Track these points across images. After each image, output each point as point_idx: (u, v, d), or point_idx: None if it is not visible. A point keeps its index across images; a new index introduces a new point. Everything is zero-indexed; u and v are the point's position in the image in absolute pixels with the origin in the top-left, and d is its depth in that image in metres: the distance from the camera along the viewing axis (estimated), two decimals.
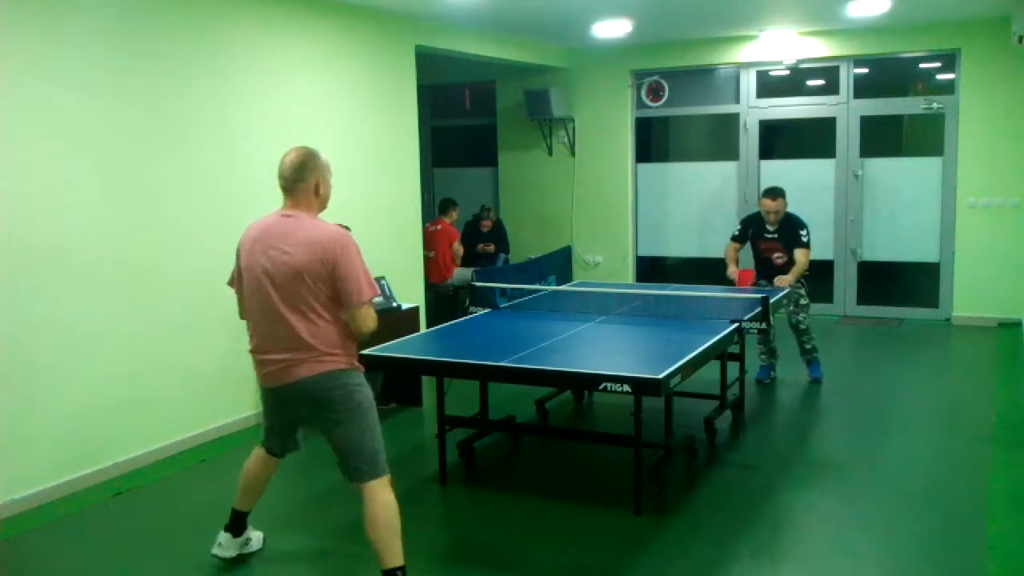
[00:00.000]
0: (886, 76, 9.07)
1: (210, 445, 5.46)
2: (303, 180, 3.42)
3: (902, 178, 8.95)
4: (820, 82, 9.17)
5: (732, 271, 6.54)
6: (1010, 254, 8.25)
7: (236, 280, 3.57)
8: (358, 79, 6.78)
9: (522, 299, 6.20)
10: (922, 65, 8.93)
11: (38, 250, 4.51)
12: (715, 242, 9.72)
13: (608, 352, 4.74)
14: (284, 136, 6.06)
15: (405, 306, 6.11)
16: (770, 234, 6.42)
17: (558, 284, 7.97)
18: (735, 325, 4.91)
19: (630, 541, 3.97)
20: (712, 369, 5.08)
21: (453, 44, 7.82)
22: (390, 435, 5.62)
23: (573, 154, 9.97)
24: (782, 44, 8.86)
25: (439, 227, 8.66)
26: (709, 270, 9.65)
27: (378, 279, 5.95)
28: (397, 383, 6.18)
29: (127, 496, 4.69)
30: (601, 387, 3.88)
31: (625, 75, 9.68)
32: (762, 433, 5.56)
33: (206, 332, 5.50)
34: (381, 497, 3.39)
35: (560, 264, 9.26)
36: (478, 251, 9.26)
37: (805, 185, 9.23)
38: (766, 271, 6.47)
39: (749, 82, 9.31)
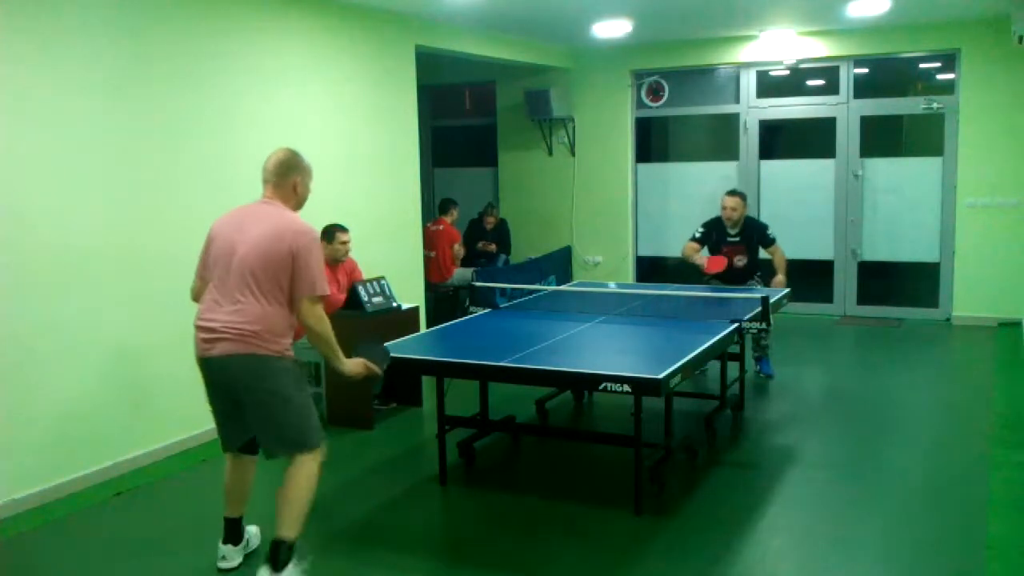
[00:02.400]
0: (886, 76, 9.07)
1: (210, 445, 5.45)
2: (285, 177, 3.68)
3: (902, 178, 8.95)
4: (820, 82, 9.17)
5: (699, 259, 6.61)
6: (1010, 254, 8.25)
7: (203, 260, 3.68)
8: (358, 79, 6.78)
9: (522, 299, 6.20)
10: (922, 65, 8.93)
11: (38, 250, 4.51)
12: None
13: (608, 352, 4.74)
14: (284, 136, 6.05)
15: (405, 306, 6.10)
16: (732, 237, 6.55)
17: (558, 284, 7.97)
18: (735, 325, 4.91)
19: (630, 541, 3.97)
20: (712, 369, 5.08)
21: (453, 44, 7.82)
22: (390, 435, 5.64)
23: (573, 154, 9.97)
24: (782, 44, 8.86)
25: (440, 227, 8.66)
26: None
27: (378, 279, 5.97)
28: (397, 383, 6.18)
29: (127, 496, 4.69)
30: (601, 387, 3.88)
31: (625, 75, 9.68)
32: (762, 433, 5.56)
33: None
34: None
35: (560, 264, 9.26)
36: (479, 249, 9.26)
37: (805, 185, 9.26)
38: (728, 275, 6.54)
39: (749, 82, 9.31)
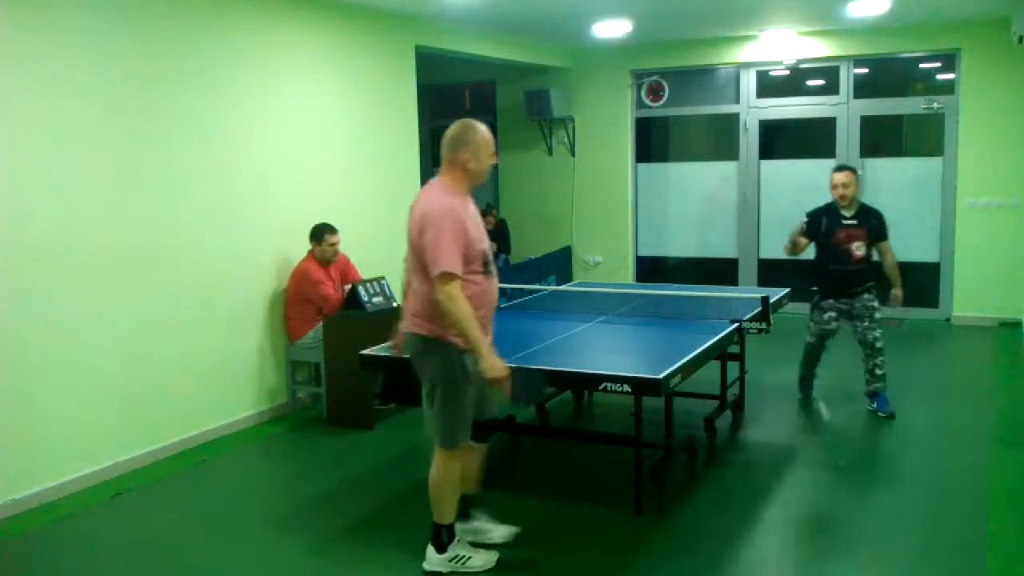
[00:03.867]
0: (886, 76, 9.07)
1: (210, 445, 5.46)
2: (454, 153, 3.55)
3: (902, 178, 8.95)
4: (820, 82, 9.17)
5: (793, 243, 5.72)
6: (1010, 254, 8.26)
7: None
8: (358, 79, 6.78)
9: (522, 299, 6.20)
10: (922, 65, 8.93)
11: (38, 250, 4.51)
12: (715, 242, 9.75)
13: (608, 352, 4.74)
14: (284, 136, 6.07)
15: None
16: (848, 220, 5.58)
17: (558, 284, 7.97)
18: (735, 325, 4.91)
19: (630, 541, 3.97)
20: (712, 369, 5.08)
21: (453, 44, 7.82)
22: (390, 435, 5.64)
23: (573, 154, 9.97)
24: (782, 44, 8.86)
25: None
26: (709, 270, 9.68)
27: (378, 279, 5.97)
28: (397, 383, 6.17)
29: (127, 496, 4.69)
30: (601, 387, 3.89)
31: (625, 75, 9.68)
32: (762, 433, 5.55)
33: (207, 332, 5.50)
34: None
35: (560, 264, 9.26)
36: None
37: (805, 185, 9.22)
38: (841, 266, 5.60)
39: (749, 82, 9.31)
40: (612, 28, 8.12)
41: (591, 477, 4.85)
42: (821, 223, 5.65)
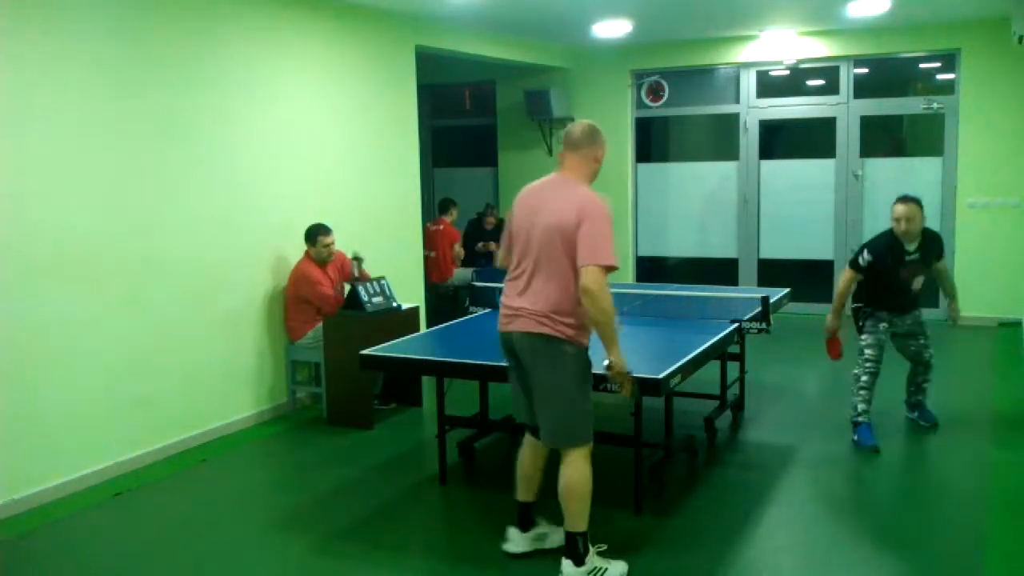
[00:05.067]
0: (886, 76, 9.07)
1: (210, 445, 5.46)
2: (590, 147, 3.53)
3: (902, 178, 8.95)
4: (820, 82, 9.17)
5: (832, 326, 5.32)
6: (1010, 254, 8.26)
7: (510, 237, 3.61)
8: (358, 79, 6.78)
9: None
10: (922, 65, 8.93)
11: (38, 251, 4.51)
12: (715, 242, 9.76)
13: None
14: (284, 136, 6.07)
15: (405, 306, 6.10)
16: (911, 255, 5.10)
17: None
18: (735, 325, 4.91)
19: (630, 541, 3.97)
20: (712, 369, 5.07)
21: (453, 44, 7.82)
22: (390, 435, 5.64)
23: None
24: (782, 44, 8.87)
25: (440, 227, 8.66)
26: (709, 270, 9.68)
27: (378, 279, 5.97)
28: (397, 383, 6.18)
29: (127, 496, 4.69)
30: (601, 387, 3.88)
31: (625, 75, 9.68)
32: (762, 433, 5.55)
33: (206, 332, 5.50)
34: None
35: None
36: (479, 250, 9.26)
37: (805, 185, 9.26)
38: (899, 302, 5.26)
39: (749, 82, 9.31)
40: (612, 28, 8.12)
41: (591, 477, 4.84)
42: (886, 260, 5.09)
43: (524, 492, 3.84)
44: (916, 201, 5.05)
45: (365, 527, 4.23)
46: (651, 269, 10.07)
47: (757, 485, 4.63)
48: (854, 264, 5.17)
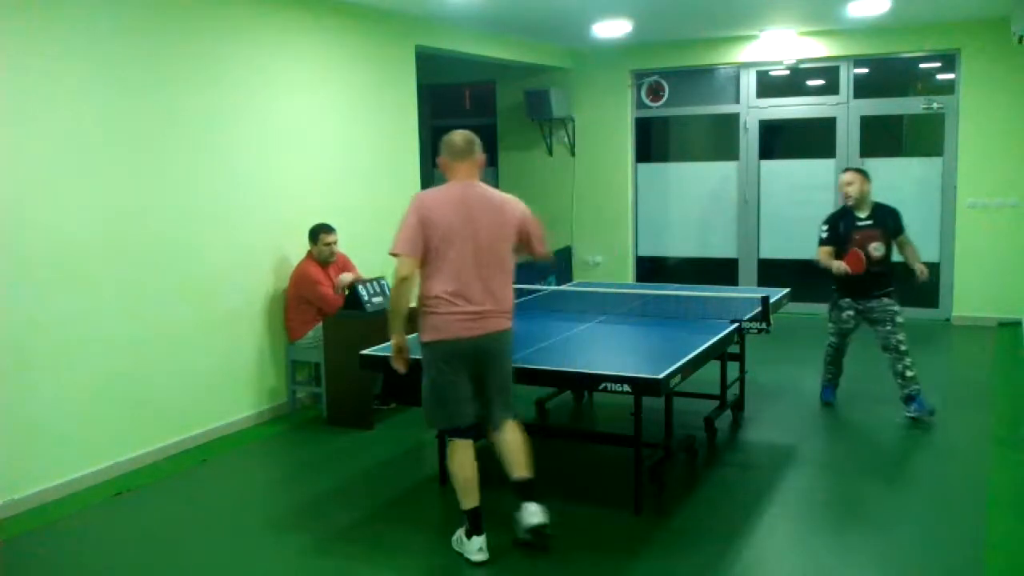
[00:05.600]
0: (886, 76, 9.07)
1: (210, 445, 5.46)
2: (479, 153, 3.84)
3: (902, 178, 8.95)
4: (820, 82, 9.17)
5: (839, 264, 5.52)
6: (1010, 254, 8.26)
7: (419, 243, 3.70)
8: (358, 79, 6.78)
9: (522, 299, 6.19)
10: (922, 65, 8.93)
11: (38, 250, 4.51)
12: (715, 242, 9.75)
13: (608, 352, 4.74)
14: (284, 136, 6.07)
15: None
16: (863, 221, 5.58)
17: (558, 284, 7.97)
18: (735, 325, 4.91)
19: (630, 541, 3.97)
20: (712, 369, 5.08)
21: (453, 44, 7.82)
22: (390, 435, 5.64)
23: (573, 154, 9.97)
24: (782, 44, 8.87)
25: None
26: (709, 270, 9.68)
27: (378, 279, 5.97)
28: (397, 383, 6.16)
29: (127, 496, 4.69)
30: (601, 387, 3.89)
31: (625, 75, 9.68)
32: (762, 433, 5.55)
33: (206, 332, 5.50)
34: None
35: (560, 264, 9.25)
36: None
37: (805, 185, 9.26)
38: (861, 282, 5.60)
39: (749, 82, 9.31)
40: (612, 28, 8.12)
41: (591, 477, 4.85)
42: (838, 227, 5.64)
43: (476, 495, 3.82)
44: (859, 170, 5.70)
45: (365, 527, 4.23)
46: (651, 269, 10.07)
47: (757, 485, 4.63)
48: (820, 242, 5.71)
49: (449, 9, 6.98)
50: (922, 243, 8.67)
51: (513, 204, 3.83)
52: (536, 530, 3.78)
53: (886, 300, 5.64)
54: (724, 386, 5.48)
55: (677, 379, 3.96)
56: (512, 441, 3.90)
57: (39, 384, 4.54)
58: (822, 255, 5.66)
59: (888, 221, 5.65)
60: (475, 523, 3.79)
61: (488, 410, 3.88)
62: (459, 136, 3.76)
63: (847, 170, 5.76)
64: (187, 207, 5.34)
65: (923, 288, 8.75)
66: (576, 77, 9.81)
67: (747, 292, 6.03)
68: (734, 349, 5.59)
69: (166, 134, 5.20)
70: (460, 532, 3.86)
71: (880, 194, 8.78)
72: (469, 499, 3.79)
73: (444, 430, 3.99)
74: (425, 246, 3.66)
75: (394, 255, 3.70)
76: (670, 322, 5.24)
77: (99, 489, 4.74)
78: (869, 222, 5.59)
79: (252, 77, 5.79)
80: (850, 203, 5.62)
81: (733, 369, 5.70)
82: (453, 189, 3.76)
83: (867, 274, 5.54)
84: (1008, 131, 8.19)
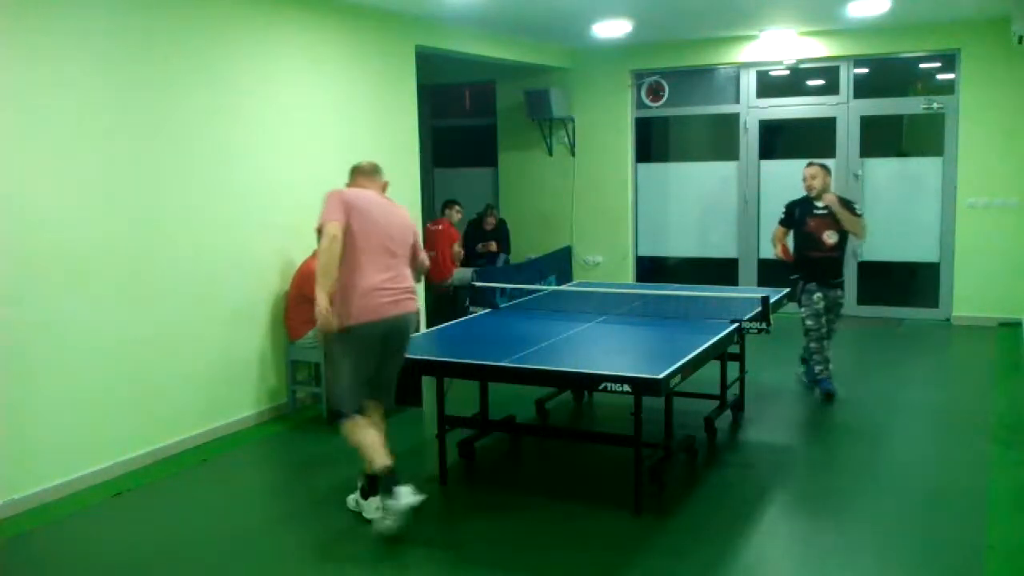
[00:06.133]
0: (886, 76, 9.07)
1: (210, 445, 5.46)
2: (381, 176, 4.41)
3: (902, 178, 8.96)
4: (820, 82, 9.17)
5: (779, 251, 6.26)
6: (1010, 254, 8.25)
7: (343, 214, 4.05)
8: (358, 79, 6.78)
9: (522, 299, 6.20)
10: (922, 65, 8.93)
11: (38, 250, 4.51)
12: (715, 242, 9.76)
13: (608, 352, 4.74)
14: (283, 136, 6.07)
15: None
16: (819, 210, 6.04)
17: (558, 284, 7.97)
18: (735, 325, 4.91)
19: (630, 541, 3.97)
20: (712, 369, 5.08)
21: (453, 44, 7.82)
22: (390, 435, 5.62)
23: (573, 154, 9.97)
24: (782, 44, 8.87)
25: (440, 227, 8.66)
26: (709, 270, 9.68)
27: None
28: (397, 383, 6.17)
29: (127, 496, 4.69)
30: (601, 387, 3.89)
31: (625, 75, 9.68)
32: (762, 433, 5.56)
33: (207, 332, 5.50)
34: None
35: (560, 264, 9.25)
36: (479, 250, 9.26)
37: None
38: (815, 252, 6.05)
39: (749, 82, 9.31)
40: (612, 28, 8.12)
41: (591, 477, 4.85)
42: (795, 212, 6.19)
43: (387, 454, 4.07)
44: (822, 165, 6.17)
45: (365, 527, 4.22)
46: (651, 269, 10.07)
47: (757, 485, 4.63)
48: (780, 222, 6.31)
49: (449, 9, 6.98)
50: (922, 243, 8.79)
51: (407, 214, 4.35)
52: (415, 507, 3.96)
53: (839, 292, 6.20)
54: (724, 386, 5.48)
55: (677, 379, 3.96)
56: (383, 426, 4.28)
57: (39, 384, 4.54)
58: (777, 233, 6.31)
59: (847, 209, 6.05)
60: (374, 485, 4.07)
61: (378, 392, 4.24)
62: (367, 163, 4.38)
63: (811, 164, 6.19)
64: (187, 207, 5.34)
65: (923, 288, 8.83)
66: (576, 77, 9.80)
67: (747, 292, 6.03)
68: (734, 349, 5.59)
69: (166, 134, 5.20)
70: (356, 495, 4.24)
71: (880, 194, 8.91)
72: (382, 458, 4.00)
73: (349, 411, 4.12)
74: (347, 228, 4.00)
75: (320, 229, 4.04)
76: (670, 322, 5.24)
77: (99, 489, 4.74)
78: (824, 211, 6.05)
79: (253, 77, 5.79)
80: (812, 194, 6.09)
81: (733, 369, 5.70)
82: (367, 191, 4.27)
83: (824, 258, 6.07)
84: (1008, 131, 8.19)
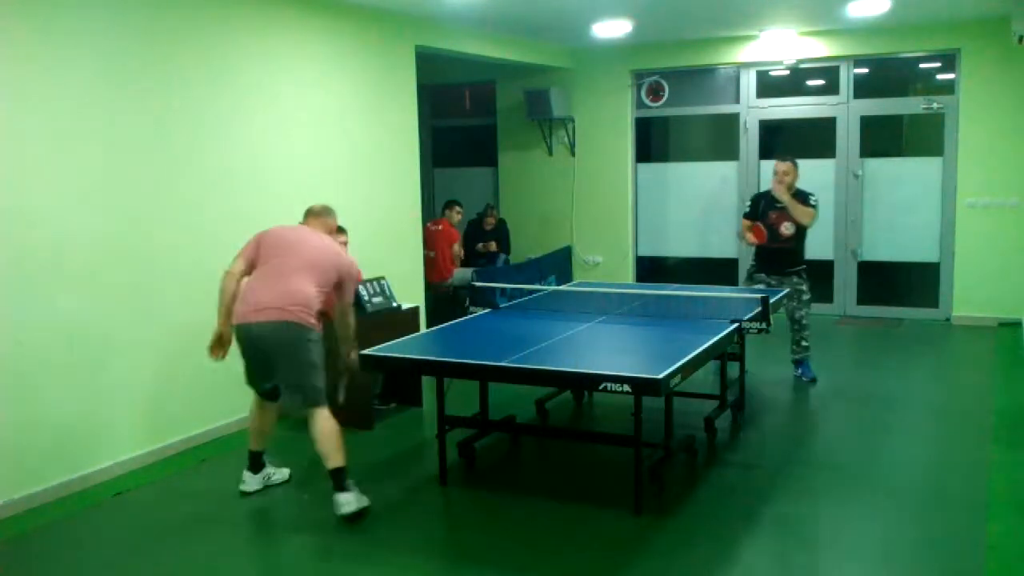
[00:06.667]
0: (886, 76, 9.07)
1: (210, 445, 5.46)
2: (331, 217, 4.85)
3: (902, 178, 8.96)
4: (820, 82, 9.17)
5: (748, 236, 6.49)
6: (1010, 254, 8.25)
7: (252, 252, 4.54)
8: (358, 79, 6.78)
9: (522, 299, 6.20)
10: (922, 65, 8.93)
11: (38, 250, 4.51)
12: (715, 242, 9.75)
13: (608, 352, 4.74)
14: (283, 136, 6.07)
15: (405, 306, 6.10)
16: (779, 204, 6.39)
17: (558, 284, 7.97)
18: (735, 325, 4.91)
19: (630, 541, 3.97)
20: (712, 369, 5.09)
21: (453, 44, 7.81)
22: (390, 435, 5.64)
23: (573, 154, 9.97)
24: (782, 44, 8.86)
25: (440, 227, 8.66)
26: (709, 270, 9.68)
27: (378, 279, 5.97)
28: (397, 383, 6.18)
29: (127, 496, 4.69)
30: (601, 387, 3.88)
31: (625, 75, 9.68)
32: (762, 433, 5.56)
33: (206, 332, 5.47)
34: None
35: (560, 264, 9.25)
36: (479, 250, 9.26)
37: (805, 185, 9.17)
38: (772, 243, 6.40)
39: (749, 82, 9.30)
40: (612, 28, 8.12)
41: (591, 477, 4.85)
42: (759, 205, 6.57)
43: (259, 441, 4.72)
44: (794, 161, 6.47)
45: (365, 527, 4.23)
46: (651, 269, 10.07)
47: (757, 485, 4.63)
48: (744, 215, 6.68)
49: (449, 9, 6.98)
50: (922, 243, 8.79)
51: (335, 252, 4.60)
52: (350, 517, 4.19)
53: (796, 279, 6.42)
54: (724, 386, 5.48)
55: (677, 379, 3.96)
56: (271, 420, 4.69)
57: (39, 384, 4.54)
58: (744, 226, 6.57)
59: (800, 201, 6.37)
60: (253, 460, 4.69)
61: (284, 393, 4.56)
62: (318, 205, 4.82)
63: (785, 160, 6.46)
64: (187, 207, 5.34)
65: (923, 288, 8.83)
66: (576, 77, 9.80)
67: (747, 292, 6.03)
68: (734, 349, 5.59)
69: (165, 134, 5.19)
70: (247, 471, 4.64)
71: (880, 194, 8.91)
72: (253, 442, 4.69)
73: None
74: (255, 256, 4.55)
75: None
76: (670, 322, 5.24)
77: (99, 489, 4.74)
78: (783, 207, 6.36)
79: (252, 77, 5.78)
80: (780, 189, 6.37)
81: (733, 369, 5.70)
82: (298, 227, 4.76)
83: (780, 249, 6.39)
84: (1008, 131, 8.19)
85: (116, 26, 4.89)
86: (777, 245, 6.40)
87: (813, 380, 6.47)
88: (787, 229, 6.36)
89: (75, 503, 4.57)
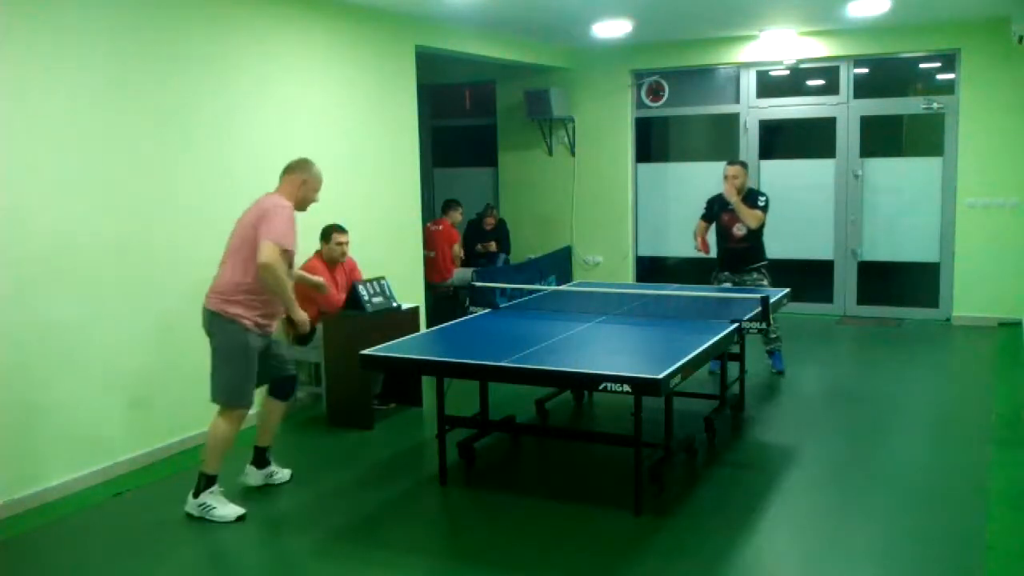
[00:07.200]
0: (886, 76, 9.07)
1: None
2: (292, 172, 4.51)
3: (902, 178, 8.96)
4: (820, 82, 9.17)
5: (699, 245, 6.92)
6: (1010, 254, 8.25)
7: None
8: (358, 79, 6.78)
9: (522, 299, 6.20)
10: (922, 65, 8.93)
11: (38, 250, 4.51)
12: (715, 242, 9.73)
13: (608, 352, 4.74)
14: (283, 135, 6.07)
15: (405, 306, 6.10)
16: (731, 206, 6.60)
17: (558, 284, 7.97)
18: (735, 325, 4.91)
19: (630, 541, 3.97)
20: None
21: (453, 44, 7.81)
22: (390, 435, 5.64)
23: (573, 154, 9.97)
24: (782, 44, 8.86)
25: (440, 227, 8.66)
26: (709, 270, 9.65)
27: (378, 279, 5.97)
28: (397, 383, 6.18)
29: (127, 496, 4.69)
30: (601, 387, 3.89)
31: (625, 75, 9.68)
32: (762, 433, 5.56)
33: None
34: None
35: (560, 264, 9.26)
36: (479, 250, 9.26)
37: (805, 185, 9.26)
38: (725, 244, 6.73)
39: (749, 82, 9.30)
40: (612, 28, 8.12)
41: (591, 477, 4.85)
42: (713, 207, 6.84)
43: (264, 439, 4.71)
44: (742, 164, 6.75)
45: (365, 527, 4.23)
46: (651, 269, 10.06)
47: (757, 485, 4.63)
48: (701, 217, 6.94)
49: (449, 9, 6.98)
50: (922, 243, 8.79)
51: (260, 210, 4.27)
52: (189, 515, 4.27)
53: (756, 275, 6.63)
54: (724, 386, 5.48)
55: (677, 379, 3.96)
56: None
57: (39, 384, 4.54)
58: (699, 228, 6.92)
59: (748, 201, 6.56)
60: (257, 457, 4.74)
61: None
62: (294, 160, 4.55)
63: (734, 163, 6.67)
64: (187, 207, 5.34)
65: (923, 288, 8.83)
66: (576, 77, 9.80)
67: (747, 292, 6.03)
68: (734, 349, 5.59)
69: (165, 134, 5.20)
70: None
71: (880, 194, 8.91)
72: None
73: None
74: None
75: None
76: (670, 322, 5.24)
77: (99, 489, 4.74)
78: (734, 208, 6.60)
79: (252, 77, 5.78)
80: (730, 191, 6.53)
81: (733, 369, 5.70)
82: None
83: (735, 248, 6.66)
84: (1008, 131, 8.18)
85: (116, 26, 4.89)
86: (733, 245, 6.67)
87: (781, 372, 6.72)
88: (739, 230, 6.61)
89: (75, 503, 4.57)
